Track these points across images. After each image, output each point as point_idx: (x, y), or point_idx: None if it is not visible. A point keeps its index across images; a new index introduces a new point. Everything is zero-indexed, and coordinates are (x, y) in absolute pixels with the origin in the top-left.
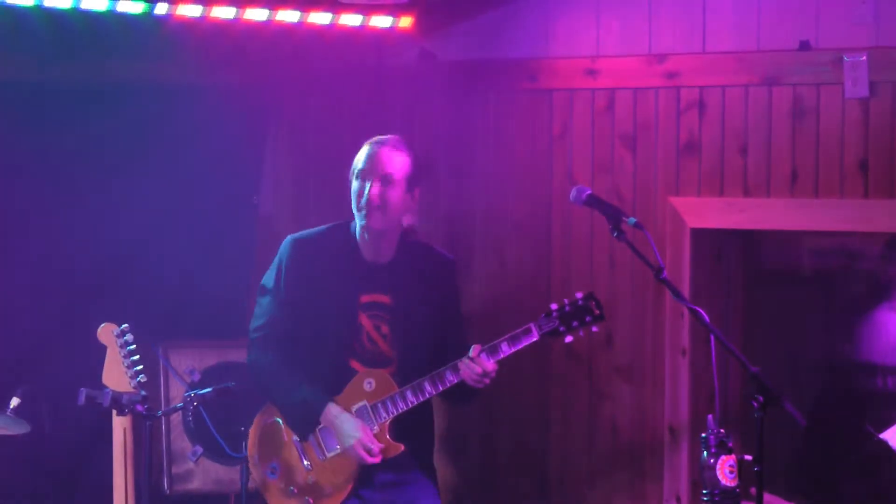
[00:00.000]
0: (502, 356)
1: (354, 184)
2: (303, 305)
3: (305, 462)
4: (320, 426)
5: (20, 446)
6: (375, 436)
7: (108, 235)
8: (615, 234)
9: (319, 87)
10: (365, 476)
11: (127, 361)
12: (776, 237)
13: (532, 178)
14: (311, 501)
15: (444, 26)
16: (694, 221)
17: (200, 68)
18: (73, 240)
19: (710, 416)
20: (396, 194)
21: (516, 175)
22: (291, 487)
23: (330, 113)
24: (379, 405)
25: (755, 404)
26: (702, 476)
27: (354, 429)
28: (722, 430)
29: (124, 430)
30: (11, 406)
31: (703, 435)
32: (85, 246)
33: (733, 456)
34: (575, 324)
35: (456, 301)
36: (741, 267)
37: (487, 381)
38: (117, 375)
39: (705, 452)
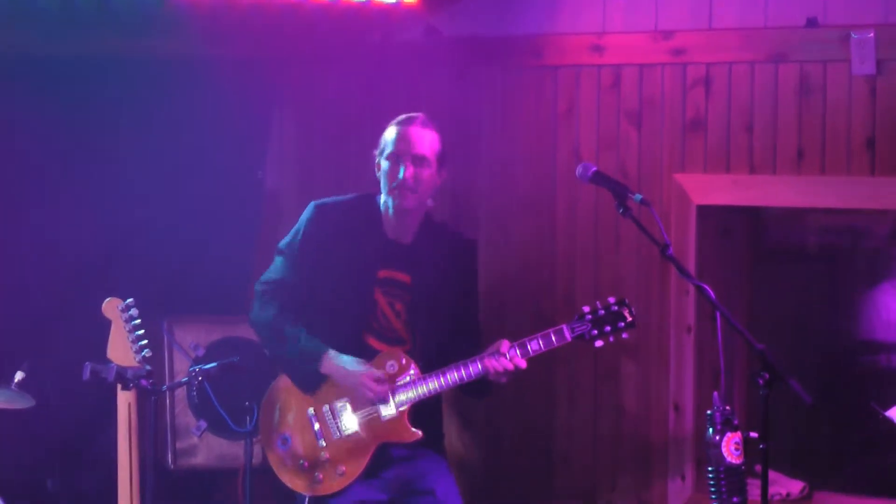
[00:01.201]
0: (532, 354)
1: (384, 164)
2: (315, 272)
3: (320, 439)
4: (329, 389)
5: (24, 420)
6: (395, 420)
7: (114, 210)
8: (621, 211)
9: (325, 62)
10: (380, 455)
11: (132, 336)
12: (782, 214)
13: (537, 155)
14: (321, 478)
15: (449, 2)
16: (700, 198)
17: (206, 42)
18: (79, 214)
19: (715, 394)
20: (428, 174)
21: (521, 152)
22: (302, 461)
23: (335, 88)
24: (399, 389)
25: (761, 382)
26: (707, 453)
27: (356, 366)
28: (728, 408)
29: (129, 404)
30: (16, 380)
31: (709, 412)
32: (90, 220)
33: (739, 433)
34: (607, 329)
35: (474, 283)
36: (747, 244)
37: (511, 377)
38: (122, 350)
39: (711, 430)
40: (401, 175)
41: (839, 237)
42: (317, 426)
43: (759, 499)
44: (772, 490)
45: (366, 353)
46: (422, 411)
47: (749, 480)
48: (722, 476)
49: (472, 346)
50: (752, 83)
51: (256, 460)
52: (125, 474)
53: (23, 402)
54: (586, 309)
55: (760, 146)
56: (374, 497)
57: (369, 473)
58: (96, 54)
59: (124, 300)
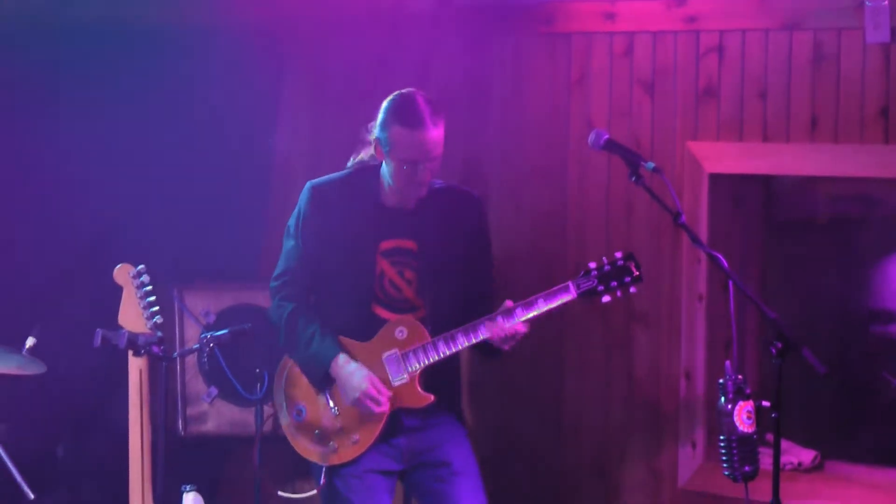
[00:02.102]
0: (539, 312)
1: (394, 164)
2: (320, 253)
3: (333, 407)
4: (333, 381)
5: (36, 386)
6: (406, 386)
7: (125, 176)
8: (633, 179)
9: (337, 28)
10: (393, 422)
11: (143, 303)
12: (795, 183)
13: (549, 123)
14: (336, 447)
15: None
16: (712, 167)
17: (218, 8)
18: (91, 180)
19: (727, 362)
20: (437, 166)
21: (533, 120)
22: (317, 431)
23: (347, 56)
24: (410, 354)
25: (773, 351)
26: (719, 422)
27: (361, 380)
28: (740, 377)
29: (140, 371)
30: (27, 346)
31: (721, 381)
32: (102, 187)
33: (751, 402)
34: (613, 284)
35: (484, 240)
36: (759, 213)
37: (514, 342)
38: (133, 316)
39: (723, 398)
40: (418, 178)
41: (852, 206)
42: (329, 395)
43: (770, 468)
44: (783, 459)
45: (375, 324)
46: (436, 375)
47: (761, 449)
48: (734, 445)
49: (488, 306)
50: (766, 51)
51: (267, 427)
52: (136, 441)
53: (34, 369)
54: (592, 265)
55: (773, 114)
56: (387, 467)
57: (383, 441)
58: (105, 21)
59: (136, 266)
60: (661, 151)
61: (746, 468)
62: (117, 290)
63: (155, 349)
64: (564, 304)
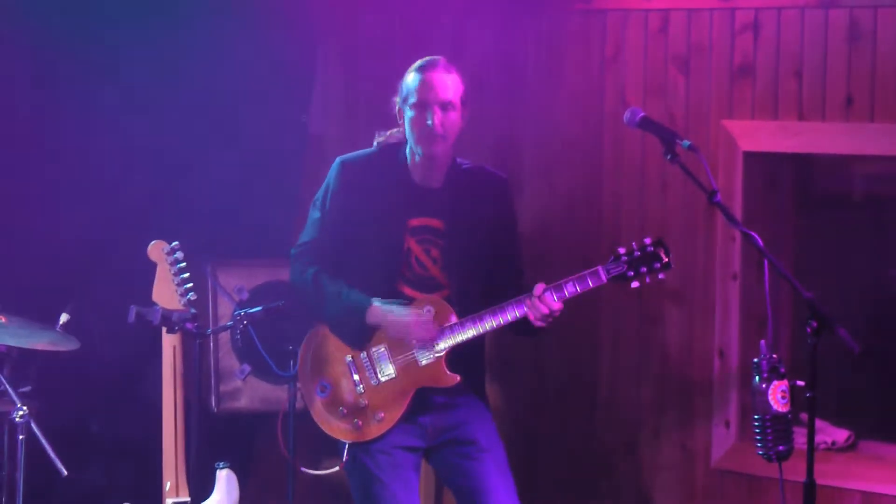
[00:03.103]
0: (567, 296)
1: (409, 113)
2: (348, 228)
3: (359, 385)
4: (371, 338)
5: (69, 363)
6: (432, 366)
7: (159, 152)
8: (668, 157)
9: (371, 5)
10: (418, 400)
11: (177, 279)
12: (830, 162)
13: (584, 101)
14: (360, 424)
15: None
16: (747, 145)
17: None
18: (125, 156)
19: (762, 342)
20: (456, 118)
21: (567, 97)
22: (341, 408)
23: (381, 32)
24: (437, 335)
25: (809, 330)
26: (753, 401)
27: (405, 310)
28: (775, 356)
29: (173, 347)
30: (61, 322)
31: (756, 360)
32: (135, 163)
33: (786, 381)
34: (643, 270)
35: (510, 222)
36: (794, 191)
37: (551, 320)
38: (167, 293)
39: (757, 377)
40: (429, 122)
41: (887, 185)
42: (355, 373)
43: (804, 447)
44: (817, 438)
45: (400, 301)
46: (462, 355)
47: (795, 429)
48: (768, 424)
49: (515, 286)
50: (802, 28)
51: (299, 404)
52: (169, 417)
53: (68, 345)
54: (622, 250)
55: (809, 92)
56: (413, 443)
57: (408, 419)
58: None
59: (170, 243)
60: (696, 130)
61: (780, 447)
62: (151, 267)
63: (188, 326)
64: (594, 289)
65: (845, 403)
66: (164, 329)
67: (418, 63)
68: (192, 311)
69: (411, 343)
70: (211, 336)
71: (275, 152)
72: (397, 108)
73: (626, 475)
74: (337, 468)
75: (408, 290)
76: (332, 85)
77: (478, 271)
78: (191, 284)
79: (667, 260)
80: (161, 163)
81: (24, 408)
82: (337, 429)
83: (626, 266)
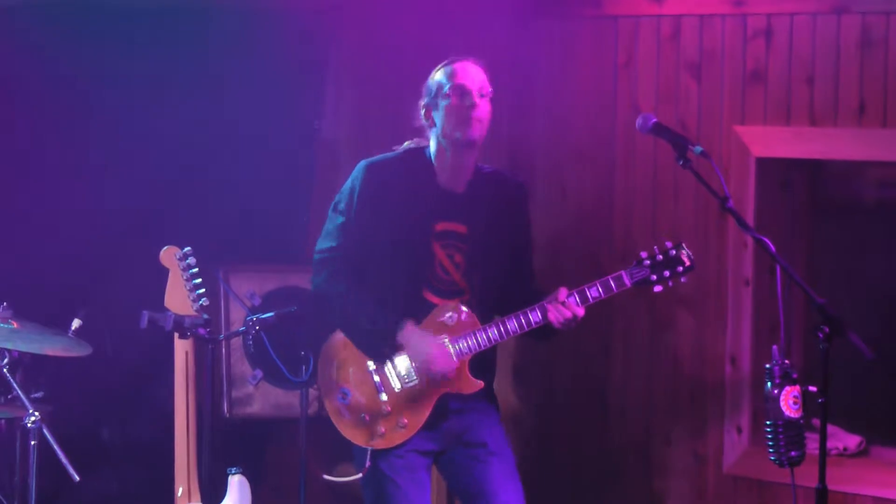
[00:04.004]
0: (591, 301)
1: (444, 101)
2: (374, 232)
3: (381, 392)
4: (399, 349)
5: (81, 368)
6: (456, 371)
7: (172, 157)
8: (681, 163)
9: (382, 9)
10: (440, 406)
11: (189, 285)
12: (842, 168)
13: (596, 107)
14: (384, 431)
15: None
16: (759, 151)
17: None
18: (137, 162)
19: (774, 347)
20: (489, 107)
21: (580, 103)
22: (363, 415)
23: (392, 37)
24: (460, 340)
25: (821, 336)
26: (765, 407)
27: (430, 343)
28: (787, 361)
29: (185, 353)
30: (73, 328)
31: (768, 366)
32: (148, 168)
33: (798, 387)
34: (666, 273)
35: (527, 227)
36: (806, 197)
37: (574, 324)
38: (179, 298)
39: (769, 383)
40: (468, 103)
41: None
42: (377, 379)
43: (816, 453)
44: (829, 444)
45: (424, 308)
46: (478, 360)
47: (807, 434)
48: (780, 430)
49: (528, 290)
50: (814, 35)
51: (312, 410)
52: (181, 422)
53: (80, 350)
54: (643, 254)
55: (821, 99)
56: (428, 447)
57: (430, 425)
58: (149, 3)
59: (182, 248)
60: (708, 135)
61: (793, 453)
62: (164, 272)
63: (201, 331)
64: (616, 294)
65: (857, 409)
66: (176, 334)
67: (444, 61)
68: (205, 316)
69: (431, 370)
70: (223, 341)
71: (287, 157)
72: (423, 109)
73: (638, 480)
74: (360, 475)
75: (430, 296)
76: (344, 90)
77: (496, 276)
78: (203, 290)
79: (689, 263)
80: (173, 168)
81: (37, 413)
82: (358, 435)
83: (648, 270)
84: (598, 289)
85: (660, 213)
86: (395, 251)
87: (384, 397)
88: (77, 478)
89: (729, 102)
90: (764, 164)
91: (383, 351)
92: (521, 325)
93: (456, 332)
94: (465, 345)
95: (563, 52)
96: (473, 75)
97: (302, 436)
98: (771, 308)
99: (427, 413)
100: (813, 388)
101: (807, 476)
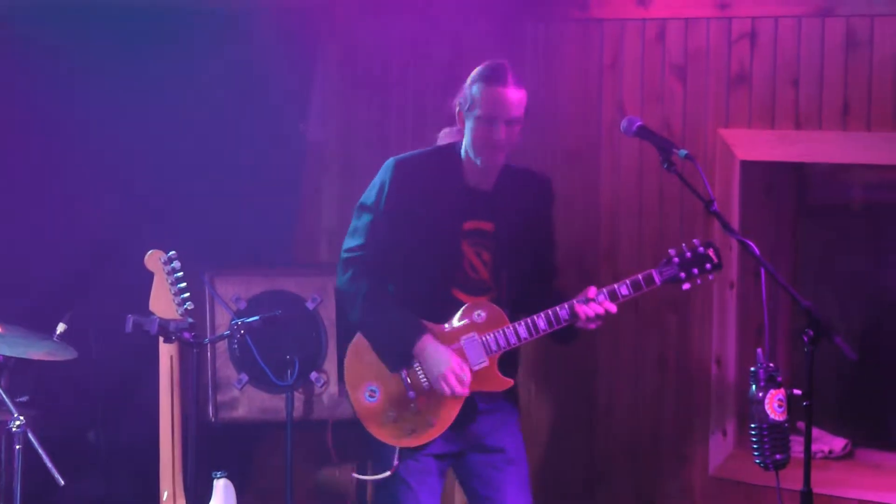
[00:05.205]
0: (620, 300)
1: (473, 124)
2: (403, 229)
3: (409, 390)
4: (409, 362)
5: (66, 372)
6: (485, 369)
7: (156, 161)
8: (665, 166)
9: (368, 12)
10: (469, 405)
11: (174, 289)
12: (827, 170)
13: (581, 109)
14: (412, 429)
15: None
16: (744, 154)
17: None
18: (121, 166)
19: (759, 350)
20: (518, 130)
21: (565, 105)
22: (391, 413)
23: (379, 39)
24: (490, 338)
25: (806, 338)
26: (750, 410)
27: (447, 357)
28: (772, 364)
29: (171, 357)
30: (58, 332)
31: (753, 369)
32: (132, 172)
33: (782, 390)
34: (695, 271)
35: (552, 225)
36: (791, 200)
37: (602, 322)
38: (164, 302)
39: (754, 386)
40: (494, 137)
41: (884, 193)
42: (406, 378)
43: (801, 455)
44: (814, 447)
45: (452, 306)
46: (505, 359)
47: (792, 437)
48: (765, 433)
49: (551, 289)
50: (799, 37)
51: (297, 413)
52: (167, 426)
53: (65, 354)
54: (672, 252)
55: (806, 101)
56: (446, 450)
57: (457, 425)
58: (133, 4)
59: (167, 252)
60: (693, 138)
61: (777, 456)
62: (148, 276)
63: (186, 335)
64: (646, 292)
65: (842, 412)
66: (161, 338)
67: (487, 72)
68: (190, 320)
69: (443, 390)
70: (208, 345)
71: (273, 160)
72: (458, 109)
73: (624, 483)
74: (388, 473)
75: (459, 294)
76: (331, 93)
77: (523, 273)
78: (188, 294)
79: (717, 261)
80: (158, 172)
81: (21, 417)
82: (386, 434)
83: (677, 268)
84: (627, 287)
85: (645, 216)
86: (424, 249)
87: (412, 395)
88: (62, 482)
89: (714, 105)
90: (748, 166)
91: (397, 362)
92: (549, 323)
93: (485, 329)
94: (496, 342)
95: (548, 55)
96: (510, 105)
97: (288, 439)
98: (756, 311)
99: (456, 411)
100: (798, 391)
101: (792, 479)
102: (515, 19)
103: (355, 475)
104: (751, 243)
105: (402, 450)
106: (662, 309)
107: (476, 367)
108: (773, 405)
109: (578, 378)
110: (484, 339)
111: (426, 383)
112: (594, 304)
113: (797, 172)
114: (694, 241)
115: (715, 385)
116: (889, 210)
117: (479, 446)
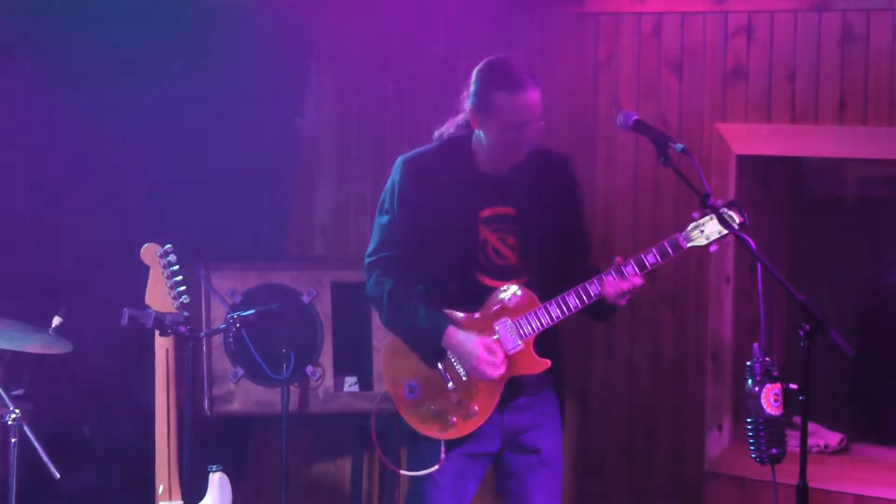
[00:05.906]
0: (649, 268)
1: (497, 130)
2: (420, 225)
3: (448, 381)
4: (443, 355)
5: (62, 366)
6: (521, 353)
7: (152, 155)
8: (661, 160)
9: (364, 6)
10: (509, 394)
11: (170, 282)
12: (823, 165)
13: (577, 103)
14: (455, 420)
15: None
16: (740, 148)
17: None
18: (117, 160)
19: (755, 345)
20: (536, 129)
21: (561, 100)
22: (433, 407)
23: (374, 33)
24: (522, 320)
25: (802, 333)
26: (746, 404)
27: (474, 346)
28: (768, 359)
29: (166, 350)
30: (54, 325)
31: (749, 363)
32: (128, 166)
33: (778, 384)
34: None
35: (577, 197)
36: (787, 194)
37: (631, 297)
38: (160, 296)
39: (750, 381)
40: (524, 139)
41: (880, 188)
42: (442, 369)
43: (797, 450)
44: (810, 441)
45: (481, 293)
46: (542, 341)
47: (788, 432)
48: (761, 427)
49: (586, 265)
50: (795, 32)
51: (292, 407)
52: (162, 420)
53: (60, 348)
54: (696, 215)
55: (802, 96)
56: (485, 449)
57: (501, 408)
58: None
59: (163, 246)
60: (689, 132)
61: (773, 451)
62: (144, 270)
63: (181, 329)
64: (675, 258)
65: (838, 406)
66: (156, 332)
67: (502, 78)
68: (185, 314)
69: (477, 372)
70: (204, 339)
71: (268, 155)
72: (471, 110)
73: (619, 477)
74: (437, 467)
75: (486, 280)
76: (326, 87)
77: (553, 253)
78: (184, 287)
79: (741, 219)
80: (154, 166)
81: (17, 411)
82: (430, 428)
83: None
84: (654, 255)
85: (641, 209)
86: (443, 241)
87: (452, 386)
88: (58, 475)
89: (710, 99)
90: (745, 161)
91: (429, 355)
92: (581, 300)
93: (516, 313)
94: (528, 324)
95: (543, 49)
96: (532, 106)
97: (283, 433)
98: (752, 305)
99: (497, 398)
100: (794, 386)
101: (788, 473)
102: (510, 13)
103: (401, 472)
104: (747, 237)
105: (446, 443)
106: (658, 304)
107: (511, 352)
108: (770, 400)
109: (574, 373)
110: (517, 322)
111: (463, 373)
112: (621, 280)
113: (793, 167)
114: (717, 200)
115: (711, 380)
116: (885, 204)
117: (517, 446)
